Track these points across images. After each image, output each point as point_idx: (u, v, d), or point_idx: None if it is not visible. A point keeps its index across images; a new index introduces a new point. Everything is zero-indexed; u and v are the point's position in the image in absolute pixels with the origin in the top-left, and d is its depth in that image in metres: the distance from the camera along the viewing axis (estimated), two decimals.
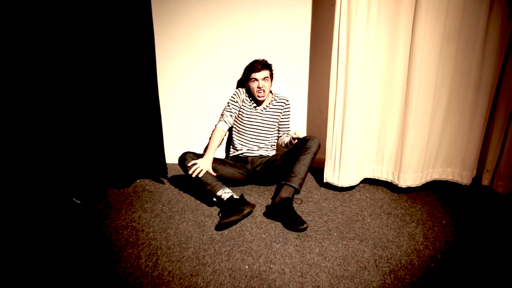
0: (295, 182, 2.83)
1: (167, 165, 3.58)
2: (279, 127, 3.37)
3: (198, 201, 3.06)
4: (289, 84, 3.53)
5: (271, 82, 3.30)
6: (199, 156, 3.04)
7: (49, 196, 3.05)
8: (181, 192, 3.24)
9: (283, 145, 3.35)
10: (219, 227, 2.64)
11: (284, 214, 2.70)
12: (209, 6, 3.41)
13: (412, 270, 2.25)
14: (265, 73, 3.22)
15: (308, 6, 3.35)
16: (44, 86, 2.91)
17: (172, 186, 3.34)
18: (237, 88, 3.53)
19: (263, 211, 2.93)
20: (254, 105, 3.32)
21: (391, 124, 3.12)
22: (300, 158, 2.91)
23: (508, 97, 3.01)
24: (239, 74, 3.53)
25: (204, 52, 3.53)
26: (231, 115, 3.29)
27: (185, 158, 2.97)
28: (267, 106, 3.32)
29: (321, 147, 3.03)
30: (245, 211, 2.70)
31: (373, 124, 3.15)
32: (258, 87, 3.21)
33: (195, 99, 3.66)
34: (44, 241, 2.50)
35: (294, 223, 2.62)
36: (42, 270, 2.21)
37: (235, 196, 2.83)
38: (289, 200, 2.78)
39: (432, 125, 3.09)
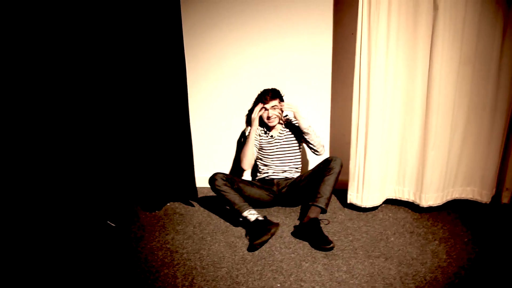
0: (321, 203, 2.97)
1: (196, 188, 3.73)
2: (304, 135, 3.40)
3: (228, 223, 3.20)
4: (312, 108, 3.68)
5: (282, 112, 3.44)
6: (228, 177, 3.19)
7: (85, 219, 3.22)
8: (211, 214, 3.38)
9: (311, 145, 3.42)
10: (252, 248, 2.77)
11: (313, 234, 2.83)
12: (236, 35, 3.59)
13: (437, 286, 2.35)
14: (274, 102, 3.37)
15: (329, 34, 3.51)
16: (89, 112, 3.11)
17: (201, 209, 3.49)
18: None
19: (291, 231, 3.05)
20: (271, 134, 3.46)
21: (411, 146, 3.24)
22: (324, 179, 3.05)
23: None
24: None
25: (232, 78, 3.71)
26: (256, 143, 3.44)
27: (216, 178, 3.12)
28: (282, 131, 3.46)
29: (344, 169, 3.16)
30: (273, 230, 2.84)
31: (394, 146, 3.27)
32: (268, 117, 3.38)
33: (222, 123, 3.83)
34: (83, 263, 2.66)
35: (322, 242, 2.74)
36: None
37: (259, 218, 2.96)
38: (317, 221, 2.91)
39: (451, 145, 3.20)
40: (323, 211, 2.99)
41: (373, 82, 3.02)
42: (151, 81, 3.21)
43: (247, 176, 3.92)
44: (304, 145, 3.56)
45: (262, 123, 3.50)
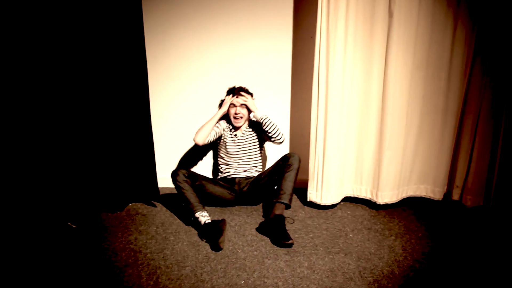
0: (285, 199, 3.06)
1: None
2: (266, 133, 3.44)
3: (191, 223, 3.23)
4: (272, 110, 3.75)
5: (249, 114, 3.52)
6: (191, 173, 3.23)
7: (44, 221, 3.17)
8: (173, 214, 3.40)
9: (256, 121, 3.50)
10: (216, 247, 2.82)
11: (276, 230, 2.91)
12: (198, 37, 3.63)
13: (393, 279, 2.47)
14: (243, 99, 3.45)
15: (289, 38, 3.61)
16: (42, 112, 3.06)
17: (164, 209, 3.50)
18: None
19: (253, 229, 3.11)
20: (235, 133, 3.52)
21: (368, 146, 3.37)
22: (285, 176, 3.14)
23: (472, 118, 3.31)
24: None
25: (194, 80, 3.74)
26: (210, 136, 3.47)
27: (178, 173, 3.16)
28: (245, 131, 3.52)
29: (303, 168, 3.28)
30: (224, 227, 2.93)
31: (352, 146, 3.39)
32: (236, 113, 3.44)
33: (184, 124, 3.85)
34: (44, 265, 2.62)
35: (283, 238, 2.83)
36: None
37: (208, 221, 3.03)
38: (282, 217, 3.00)
39: (406, 146, 3.35)
40: (287, 206, 3.09)
41: (331, 84, 3.13)
42: (111, 81, 3.19)
43: (208, 175, 3.96)
44: (266, 140, 3.61)
45: (229, 122, 3.54)
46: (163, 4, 3.57)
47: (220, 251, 2.79)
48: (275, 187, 3.21)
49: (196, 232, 3.09)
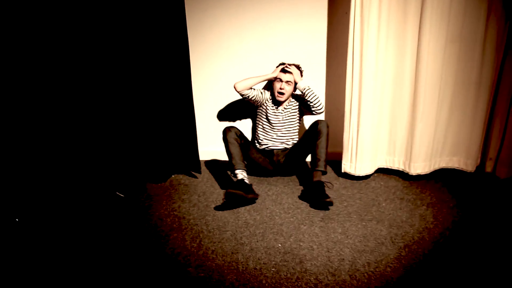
0: (321, 166, 3.25)
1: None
2: (309, 104, 3.50)
3: None
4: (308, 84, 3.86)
5: (294, 90, 3.60)
6: (241, 134, 3.47)
7: (94, 191, 3.41)
8: (214, 184, 3.59)
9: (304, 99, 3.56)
10: (227, 195, 3.12)
11: (317, 193, 3.11)
12: (235, 21, 3.77)
13: (423, 244, 2.59)
14: (291, 77, 3.51)
15: (324, 14, 3.69)
16: (96, 90, 3.28)
17: (205, 179, 3.70)
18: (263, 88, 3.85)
19: (289, 198, 3.28)
20: (276, 107, 3.64)
21: (401, 118, 3.46)
22: (317, 143, 3.30)
23: (507, 92, 3.34)
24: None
25: (231, 59, 3.89)
26: (252, 93, 3.58)
27: (230, 130, 3.38)
28: (286, 106, 3.64)
29: (338, 141, 3.40)
30: (250, 196, 3.14)
31: (385, 119, 3.48)
32: (281, 88, 3.52)
33: (223, 101, 4.01)
34: (98, 231, 2.87)
35: (324, 197, 3.05)
36: (101, 256, 2.58)
37: (246, 181, 3.24)
38: (322, 183, 3.20)
39: (439, 118, 3.42)
40: (324, 173, 3.26)
41: (365, 58, 3.22)
42: (156, 60, 3.36)
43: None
44: (305, 113, 3.74)
45: (273, 97, 3.66)
46: None
47: (258, 217, 2.96)
48: (310, 155, 3.35)
49: None
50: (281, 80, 3.50)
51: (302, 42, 3.79)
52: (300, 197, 3.28)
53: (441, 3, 3.10)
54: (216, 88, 4.00)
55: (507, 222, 2.83)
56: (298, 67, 3.56)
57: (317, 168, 3.24)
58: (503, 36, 3.25)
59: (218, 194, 3.39)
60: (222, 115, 4.09)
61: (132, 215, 3.06)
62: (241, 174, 3.27)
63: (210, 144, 4.14)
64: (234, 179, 3.33)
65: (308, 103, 3.45)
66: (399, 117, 3.46)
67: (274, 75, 3.54)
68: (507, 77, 3.33)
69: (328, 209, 3.05)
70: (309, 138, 3.37)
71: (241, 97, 3.56)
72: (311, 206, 3.10)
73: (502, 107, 3.39)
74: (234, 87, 3.47)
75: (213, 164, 4.10)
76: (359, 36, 3.21)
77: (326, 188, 3.22)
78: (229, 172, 3.31)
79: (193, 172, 3.79)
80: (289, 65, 3.53)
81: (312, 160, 3.30)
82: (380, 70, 3.31)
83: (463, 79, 3.38)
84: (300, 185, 3.54)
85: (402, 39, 3.27)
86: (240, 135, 3.42)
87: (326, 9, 3.69)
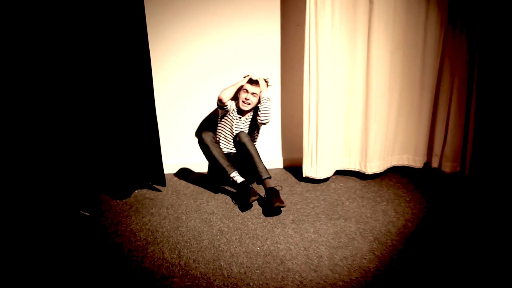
0: (264, 173, 3.36)
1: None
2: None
3: (198, 202, 3.46)
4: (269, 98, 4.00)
5: (258, 103, 3.66)
6: (215, 137, 3.53)
7: (57, 211, 3.33)
8: (180, 196, 3.62)
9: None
10: (248, 206, 3.28)
11: (269, 200, 3.23)
12: (193, 24, 3.85)
13: (391, 236, 2.80)
14: (257, 89, 3.59)
15: (277, 26, 3.85)
16: (57, 106, 3.22)
17: (169, 193, 3.71)
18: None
19: (257, 204, 3.39)
20: (239, 116, 3.71)
21: (355, 122, 3.68)
22: (248, 155, 3.41)
23: (446, 92, 3.66)
24: (219, 86, 3.92)
25: (190, 66, 3.97)
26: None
27: (205, 136, 3.46)
28: (248, 116, 3.71)
29: (298, 147, 3.62)
30: (255, 196, 3.26)
31: (341, 123, 3.69)
32: (246, 99, 3.59)
33: (181, 110, 4.05)
34: (69, 251, 2.81)
35: (274, 205, 3.15)
36: (80, 276, 2.55)
37: (244, 181, 3.38)
38: (273, 189, 3.30)
39: (389, 119, 3.68)
40: (269, 177, 3.36)
41: (321, 67, 3.42)
42: (116, 71, 3.34)
43: None
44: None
45: (237, 105, 3.71)
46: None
47: (231, 225, 3.04)
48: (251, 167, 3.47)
49: (205, 211, 3.32)
50: (247, 91, 3.58)
51: (256, 51, 3.92)
52: (263, 210, 3.37)
53: (386, 14, 3.38)
54: (170, 97, 4.03)
55: (456, 210, 3.13)
56: (266, 80, 3.67)
57: (263, 177, 3.35)
58: (439, 42, 3.56)
59: (186, 206, 3.42)
60: (184, 123, 4.11)
61: (101, 233, 3.02)
62: (237, 176, 3.39)
63: (172, 157, 4.17)
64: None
65: (258, 110, 3.55)
66: (353, 121, 3.68)
67: (243, 83, 3.61)
68: (445, 79, 3.64)
69: (281, 212, 3.19)
70: (241, 151, 3.49)
71: (217, 107, 3.67)
72: (265, 214, 3.23)
73: (443, 107, 3.71)
74: (220, 99, 3.52)
75: (172, 177, 4.11)
76: (314, 46, 3.40)
77: (279, 191, 3.37)
78: (189, 178, 3.33)
79: (156, 186, 3.78)
80: (256, 80, 3.61)
81: (253, 171, 3.41)
82: (335, 78, 3.52)
83: (408, 82, 3.67)
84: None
85: (353, 48, 3.51)
86: (214, 137, 3.51)
87: (279, 22, 3.84)
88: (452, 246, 2.66)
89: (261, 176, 3.35)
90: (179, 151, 4.18)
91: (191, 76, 3.98)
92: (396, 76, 3.63)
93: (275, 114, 4.08)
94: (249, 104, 3.60)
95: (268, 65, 3.96)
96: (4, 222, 3.11)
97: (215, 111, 4.00)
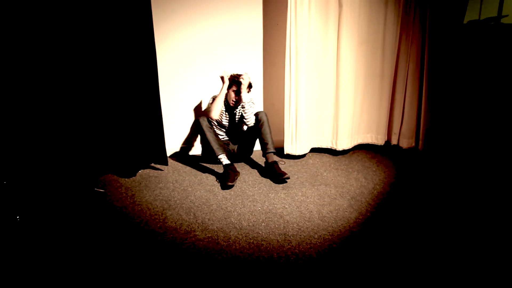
0: (271, 148, 3.98)
1: None
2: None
3: (199, 178, 4.02)
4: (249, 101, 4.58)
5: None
6: (210, 122, 4.05)
7: (73, 189, 3.80)
8: (181, 174, 4.16)
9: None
10: (225, 186, 3.75)
11: (275, 171, 3.86)
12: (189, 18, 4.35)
13: (364, 195, 3.50)
14: (242, 86, 4.10)
15: (260, 26, 4.46)
16: (61, 90, 3.66)
17: (171, 171, 4.24)
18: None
19: (250, 176, 3.99)
20: (228, 113, 4.27)
21: (328, 107, 4.36)
22: (262, 131, 4.01)
23: (402, 80, 4.40)
24: (205, 75, 4.51)
25: (188, 59, 4.46)
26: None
27: (202, 120, 3.97)
28: (237, 111, 4.29)
29: (279, 129, 4.20)
30: (237, 176, 3.84)
31: (316, 108, 4.36)
32: (235, 97, 4.13)
33: (178, 95, 4.58)
34: (97, 219, 3.30)
35: (282, 175, 3.78)
36: (112, 240, 3.08)
37: (228, 163, 3.92)
38: (275, 162, 3.93)
39: (355, 104, 4.38)
40: (274, 153, 4.00)
41: (300, 61, 4.07)
42: (123, 56, 3.78)
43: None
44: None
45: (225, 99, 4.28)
46: None
47: (232, 193, 3.64)
48: (259, 142, 4.08)
49: (206, 183, 3.89)
50: (234, 91, 4.13)
51: (243, 50, 4.51)
52: (261, 175, 4.01)
53: (352, 15, 4.07)
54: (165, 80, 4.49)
55: (412, 176, 3.87)
56: (251, 85, 4.17)
57: (268, 151, 3.99)
58: (396, 39, 4.30)
59: (189, 181, 3.97)
60: (177, 114, 4.65)
61: (120, 206, 3.50)
62: (224, 159, 3.93)
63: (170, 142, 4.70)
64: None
65: (244, 113, 4.10)
66: (326, 106, 4.36)
67: (226, 85, 4.10)
68: (402, 70, 4.39)
69: (286, 182, 3.81)
70: (254, 128, 4.10)
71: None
72: (273, 182, 3.84)
73: (399, 93, 4.46)
74: (212, 118, 4.06)
75: (168, 159, 4.62)
76: (294, 45, 4.03)
77: (280, 165, 3.99)
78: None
79: (158, 166, 4.31)
80: (239, 75, 4.11)
81: (262, 145, 4.03)
82: (311, 68, 4.17)
83: (371, 73, 4.38)
84: (253, 168, 4.26)
85: (325, 45, 4.18)
86: (209, 122, 4.04)
87: (262, 22, 4.45)
88: (409, 202, 3.39)
89: (268, 149, 3.97)
90: (173, 136, 4.70)
91: (190, 66, 4.49)
92: (361, 68, 4.33)
93: (258, 104, 4.70)
94: (238, 101, 4.18)
95: (252, 60, 4.56)
96: (34, 202, 3.56)
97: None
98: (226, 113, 4.25)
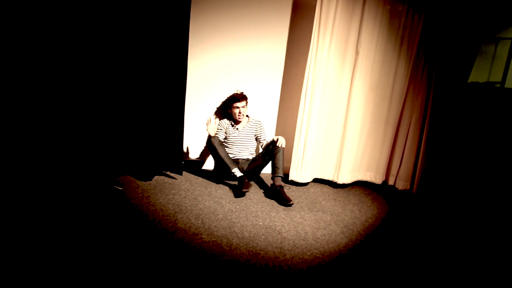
0: (280, 173, 4.37)
1: None
2: (258, 139, 4.77)
3: (208, 190, 4.40)
4: (265, 115, 5.02)
5: (247, 108, 4.71)
6: (221, 141, 4.52)
7: (96, 186, 4.20)
8: (192, 184, 4.54)
9: (262, 148, 4.74)
10: (240, 194, 4.21)
11: (279, 196, 4.23)
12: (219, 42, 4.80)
13: (356, 225, 3.86)
14: (244, 103, 4.63)
15: (282, 62, 4.92)
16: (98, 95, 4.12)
17: (183, 181, 4.63)
18: (220, 120, 4.86)
19: (255, 195, 4.37)
20: (237, 127, 4.74)
21: (334, 143, 4.75)
22: (276, 156, 4.42)
23: (404, 128, 4.80)
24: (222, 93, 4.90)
25: (216, 81, 4.90)
26: (221, 134, 4.71)
27: (214, 139, 4.45)
28: (245, 126, 4.76)
29: (287, 156, 4.60)
30: (250, 186, 4.28)
31: (322, 142, 4.75)
32: (239, 112, 4.63)
33: (196, 112, 4.99)
34: (114, 214, 3.70)
35: (286, 200, 4.15)
36: (132, 233, 3.46)
37: (242, 175, 4.37)
38: (281, 187, 4.30)
39: (359, 144, 4.78)
40: (282, 178, 4.39)
41: (314, 100, 4.48)
42: (160, 71, 4.23)
43: None
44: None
45: (231, 119, 4.75)
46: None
47: (238, 207, 4.01)
48: (271, 165, 4.48)
49: (215, 196, 4.27)
50: (238, 107, 4.59)
51: (263, 78, 4.95)
52: (265, 196, 4.39)
53: (366, 63, 4.49)
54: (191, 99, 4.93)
55: (403, 215, 4.23)
56: (246, 97, 4.67)
57: (277, 174, 4.38)
58: (404, 89, 4.72)
59: (199, 191, 4.36)
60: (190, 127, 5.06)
61: (136, 203, 3.90)
62: (237, 171, 4.35)
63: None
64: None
65: (258, 139, 4.74)
66: (332, 141, 4.76)
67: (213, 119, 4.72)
68: (405, 119, 4.80)
69: (290, 206, 4.19)
70: (268, 151, 4.51)
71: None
72: (278, 203, 4.22)
73: (401, 139, 4.85)
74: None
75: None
76: (311, 84, 4.45)
77: (285, 189, 4.37)
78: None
79: (172, 174, 4.71)
80: (240, 95, 4.62)
81: (272, 168, 4.43)
82: (323, 106, 4.59)
83: (376, 118, 4.78)
84: (260, 188, 4.64)
85: (339, 88, 4.59)
86: (220, 141, 4.49)
87: (284, 57, 4.90)
88: (397, 236, 3.75)
89: (277, 173, 4.39)
90: (190, 148, 5.11)
91: (204, 82, 4.91)
92: (368, 112, 4.74)
93: (271, 132, 5.11)
94: (243, 115, 4.65)
95: (270, 93, 5.00)
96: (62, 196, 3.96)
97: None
98: (233, 128, 4.71)
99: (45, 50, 3.82)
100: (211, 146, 4.44)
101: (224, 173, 4.52)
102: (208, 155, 5.09)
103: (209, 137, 4.47)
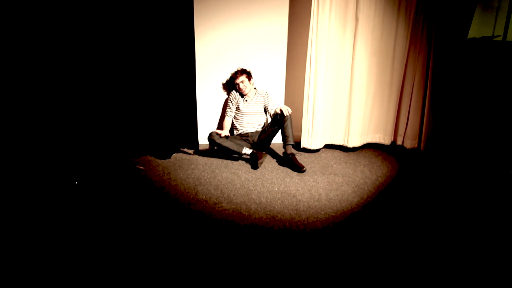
0: (291, 141, 4.56)
1: None
2: (267, 109, 4.95)
3: (225, 163, 4.63)
4: (273, 87, 5.21)
5: (250, 81, 4.87)
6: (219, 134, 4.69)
7: (120, 166, 4.46)
8: (209, 158, 4.78)
9: (271, 116, 4.89)
10: (255, 166, 4.44)
11: (292, 163, 4.44)
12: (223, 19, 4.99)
13: (367, 184, 4.07)
14: (242, 77, 4.79)
15: (285, 30, 5.07)
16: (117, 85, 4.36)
17: (200, 157, 4.87)
18: (230, 91, 5.06)
19: (269, 164, 4.59)
20: (246, 99, 4.94)
21: (341, 108, 4.93)
22: (285, 125, 4.59)
23: (408, 88, 4.94)
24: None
25: (225, 55, 5.08)
26: (231, 111, 4.93)
27: (213, 135, 4.63)
28: (253, 98, 4.95)
29: (296, 126, 4.80)
30: (264, 156, 4.50)
31: (331, 108, 4.94)
32: (239, 88, 4.84)
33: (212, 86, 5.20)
34: (140, 190, 3.97)
35: (300, 167, 4.36)
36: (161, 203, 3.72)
37: (253, 152, 4.57)
38: (293, 154, 4.51)
39: (366, 107, 4.95)
40: (293, 145, 4.59)
41: (318, 67, 4.64)
42: (163, 52, 4.46)
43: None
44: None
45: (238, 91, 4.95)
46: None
47: (254, 176, 4.25)
48: (281, 134, 4.68)
49: (231, 167, 4.51)
50: (237, 83, 4.82)
51: (269, 51, 5.12)
52: (279, 164, 4.61)
53: (366, 28, 4.62)
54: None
55: (411, 172, 4.42)
56: (245, 70, 4.86)
57: (288, 143, 4.59)
58: (405, 51, 4.85)
59: (216, 164, 4.59)
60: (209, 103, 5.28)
61: (158, 180, 4.16)
62: (247, 150, 4.60)
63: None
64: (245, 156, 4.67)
65: (268, 108, 4.96)
66: (340, 107, 4.93)
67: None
68: (408, 79, 4.95)
69: (304, 173, 4.41)
70: (277, 121, 4.69)
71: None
72: (292, 170, 4.44)
73: (406, 100, 5.01)
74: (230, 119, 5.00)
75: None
76: (315, 53, 4.61)
77: (297, 156, 4.58)
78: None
79: (189, 151, 4.95)
80: (240, 71, 4.84)
81: (283, 137, 4.63)
82: (328, 74, 4.76)
83: (380, 80, 4.93)
84: (273, 158, 4.86)
85: (342, 54, 4.74)
86: (218, 133, 4.71)
87: (287, 29, 5.06)
88: (406, 192, 3.96)
89: (288, 141, 4.57)
90: (204, 125, 5.32)
91: (212, 59, 5.12)
92: (372, 76, 4.89)
93: (280, 103, 5.30)
94: (244, 88, 4.84)
95: (276, 65, 5.17)
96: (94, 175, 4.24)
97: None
98: (242, 99, 4.92)
99: (66, 35, 4.06)
100: (214, 143, 4.66)
101: (235, 155, 4.76)
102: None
103: (209, 136, 4.68)
